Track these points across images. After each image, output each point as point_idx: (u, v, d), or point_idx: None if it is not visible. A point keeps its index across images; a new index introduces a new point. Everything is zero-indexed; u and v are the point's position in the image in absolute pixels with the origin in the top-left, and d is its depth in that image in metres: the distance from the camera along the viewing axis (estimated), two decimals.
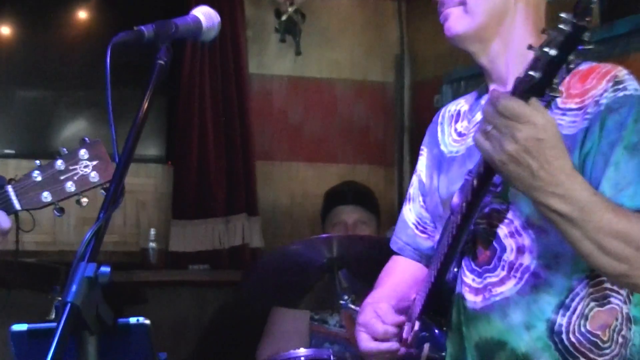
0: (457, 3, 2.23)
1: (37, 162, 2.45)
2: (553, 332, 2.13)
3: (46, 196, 2.43)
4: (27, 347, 1.98)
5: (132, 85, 4.73)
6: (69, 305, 1.72)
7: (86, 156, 2.43)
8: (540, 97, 1.74)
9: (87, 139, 2.44)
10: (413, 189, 2.61)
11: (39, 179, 2.42)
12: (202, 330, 5.38)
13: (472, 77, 4.90)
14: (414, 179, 2.61)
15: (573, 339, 2.12)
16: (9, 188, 2.42)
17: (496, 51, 2.23)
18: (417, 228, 2.57)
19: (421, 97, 5.79)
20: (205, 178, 5.28)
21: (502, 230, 2.16)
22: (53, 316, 3.81)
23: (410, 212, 2.59)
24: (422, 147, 2.60)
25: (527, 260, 2.14)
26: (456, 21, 2.24)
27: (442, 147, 2.46)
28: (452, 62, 5.16)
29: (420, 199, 2.55)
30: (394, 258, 2.65)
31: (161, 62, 2.14)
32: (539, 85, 1.72)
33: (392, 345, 2.32)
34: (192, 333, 5.34)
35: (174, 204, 5.32)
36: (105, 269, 1.79)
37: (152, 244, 5.21)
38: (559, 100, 2.12)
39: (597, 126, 2.05)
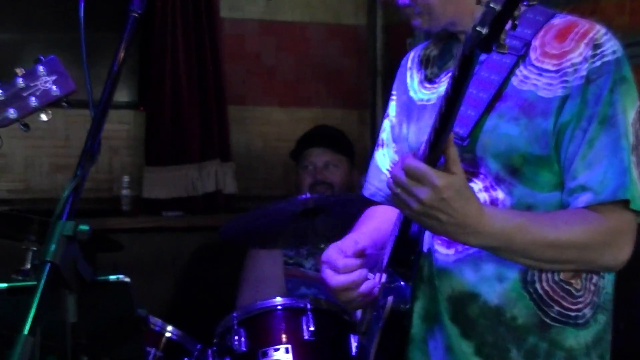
0: (417, 15, 2.25)
1: None
2: (526, 282, 2.16)
3: (12, 113, 2.47)
4: (7, 304, 1.98)
5: (103, 28, 4.65)
6: (48, 264, 1.71)
7: (44, 72, 2.49)
8: (488, 52, 1.76)
9: (42, 56, 2.51)
10: (385, 134, 2.60)
11: (2, 97, 2.47)
12: (178, 276, 5.39)
13: None
14: (386, 123, 2.60)
15: (547, 288, 2.16)
16: None
17: (468, 18, 2.21)
18: None
19: (394, 39, 5.77)
20: (178, 124, 5.23)
21: (477, 185, 2.17)
22: (28, 265, 3.81)
23: (384, 157, 2.59)
24: (392, 91, 2.59)
25: None
26: (423, 25, 2.26)
27: (412, 94, 2.45)
28: None
29: (394, 145, 2.55)
30: (371, 207, 2.65)
31: (135, 14, 2.12)
32: (486, 41, 1.73)
33: (360, 273, 2.30)
34: (167, 279, 5.34)
35: (147, 150, 5.28)
36: (84, 226, 1.78)
37: (126, 191, 5.19)
38: (532, 56, 2.14)
39: (578, 99, 2.08)
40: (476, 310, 2.20)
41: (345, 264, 2.31)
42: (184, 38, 5.24)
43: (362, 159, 5.57)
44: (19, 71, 2.48)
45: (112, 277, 1.91)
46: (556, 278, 2.16)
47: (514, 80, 2.15)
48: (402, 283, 2.26)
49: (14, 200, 5.10)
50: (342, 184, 4.54)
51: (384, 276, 2.31)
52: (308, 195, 3.79)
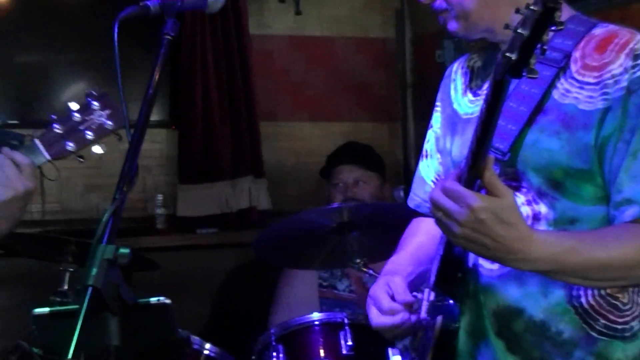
0: (453, 18, 2.25)
1: (53, 115, 2.67)
2: (572, 296, 2.14)
3: (70, 146, 2.65)
4: (49, 328, 2.00)
5: (131, 43, 4.67)
6: (90, 288, 1.73)
7: (99, 106, 2.65)
8: (518, 78, 1.76)
9: (93, 91, 2.68)
10: (429, 145, 2.58)
11: (61, 131, 2.64)
12: (213, 293, 5.40)
13: None
14: (430, 134, 2.59)
15: (592, 302, 2.13)
16: (37, 141, 2.65)
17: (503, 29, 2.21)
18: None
19: (423, 52, 5.76)
20: (210, 141, 5.26)
21: (519, 199, 2.15)
22: (66, 287, 3.84)
23: (429, 168, 2.57)
24: (436, 102, 2.57)
25: (542, 227, 2.14)
26: (459, 31, 2.26)
27: (456, 107, 2.44)
28: None
29: (438, 155, 2.53)
30: (416, 219, 2.64)
31: (169, 37, 2.14)
32: (515, 66, 1.74)
33: (402, 316, 2.32)
34: (202, 297, 5.35)
35: (180, 168, 5.31)
36: (125, 250, 1.80)
37: (160, 210, 5.21)
38: (573, 68, 2.12)
39: (619, 110, 2.05)
40: (521, 325, 2.18)
41: (390, 307, 2.33)
42: (214, 56, 5.27)
43: (394, 172, 5.58)
44: (74, 106, 2.63)
45: (153, 300, 1.92)
46: (602, 292, 2.13)
47: (555, 94, 2.13)
48: (451, 302, 2.26)
49: (49, 222, 5.13)
50: (372, 199, 4.55)
51: (432, 294, 2.30)
52: (338, 204, 3.80)
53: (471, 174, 1.95)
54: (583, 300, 2.14)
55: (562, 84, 2.13)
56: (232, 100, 5.31)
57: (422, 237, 2.54)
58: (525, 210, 2.15)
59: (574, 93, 2.10)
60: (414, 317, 2.34)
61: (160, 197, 5.23)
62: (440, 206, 1.95)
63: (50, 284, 3.92)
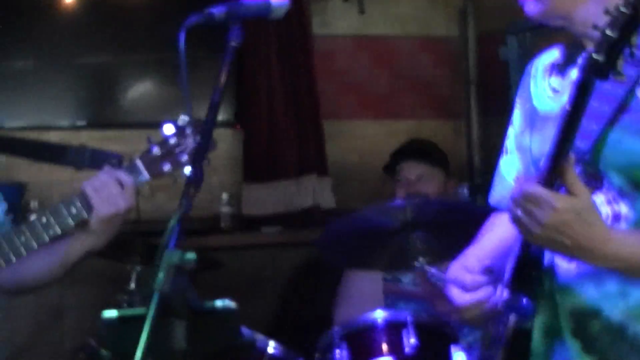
0: None
1: (150, 137, 2.79)
2: None
3: (167, 168, 2.75)
4: (118, 331, 2.04)
5: (195, 43, 4.70)
6: (157, 293, 1.76)
7: (191, 133, 2.76)
8: (604, 80, 1.76)
9: (186, 116, 2.78)
10: (509, 142, 2.55)
11: (159, 153, 2.75)
12: (277, 291, 5.44)
13: (537, 27, 4.84)
14: (510, 131, 2.55)
15: None
16: (138, 161, 2.77)
17: (584, 19, 2.14)
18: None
19: (486, 49, 5.74)
20: (274, 140, 5.31)
21: (600, 198, 2.14)
22: (133, 285, 3.91)
23: (509, 166, 2.54)
24: (516, 99, 2.55)
25: (623, 227, 2.12)
26: (531, 9, 2.23)
27: (535, 103, 2.40)
28: (517, 12, 5.09)
29: (518, 153, 2.52)
30: (497, 214, 2.62)
31: (234, 44, 2.18)
32: (602, 68, 1.73)
33: (486, 292, 2.29)
34: (266, 295, 5.39)
35: (245, 167, 5.36)
36: (191, 255, 1.83)
37: (225, 209, 5.26)
38: None
39: None
40: (598, 326, 2.16)
41: (473, 281, 2.32)
42: (278, 56, 5.31)
43: (458, 169, 5.57)
44: (171, 130, 2.76)
45: (219, 303, 1.95)
46: None
47: None
48: (525, 300, 2.25)
49: None
50: (436, 196, 4.53)
51: (507, 291, 2.30)
52: (400, 201, 3.80)
53: (552, 173, 1.95)
54: None
55: None
56: (296, 99, 5.36)
57: (501, 232, 2.51)
58: (605, 210, 2.12)
59: None
60: (495, 296, 2.32)
61: (225, 196, 5.28)
62: (521, 207, 1.95)
63: (117, 283, 3.99)
